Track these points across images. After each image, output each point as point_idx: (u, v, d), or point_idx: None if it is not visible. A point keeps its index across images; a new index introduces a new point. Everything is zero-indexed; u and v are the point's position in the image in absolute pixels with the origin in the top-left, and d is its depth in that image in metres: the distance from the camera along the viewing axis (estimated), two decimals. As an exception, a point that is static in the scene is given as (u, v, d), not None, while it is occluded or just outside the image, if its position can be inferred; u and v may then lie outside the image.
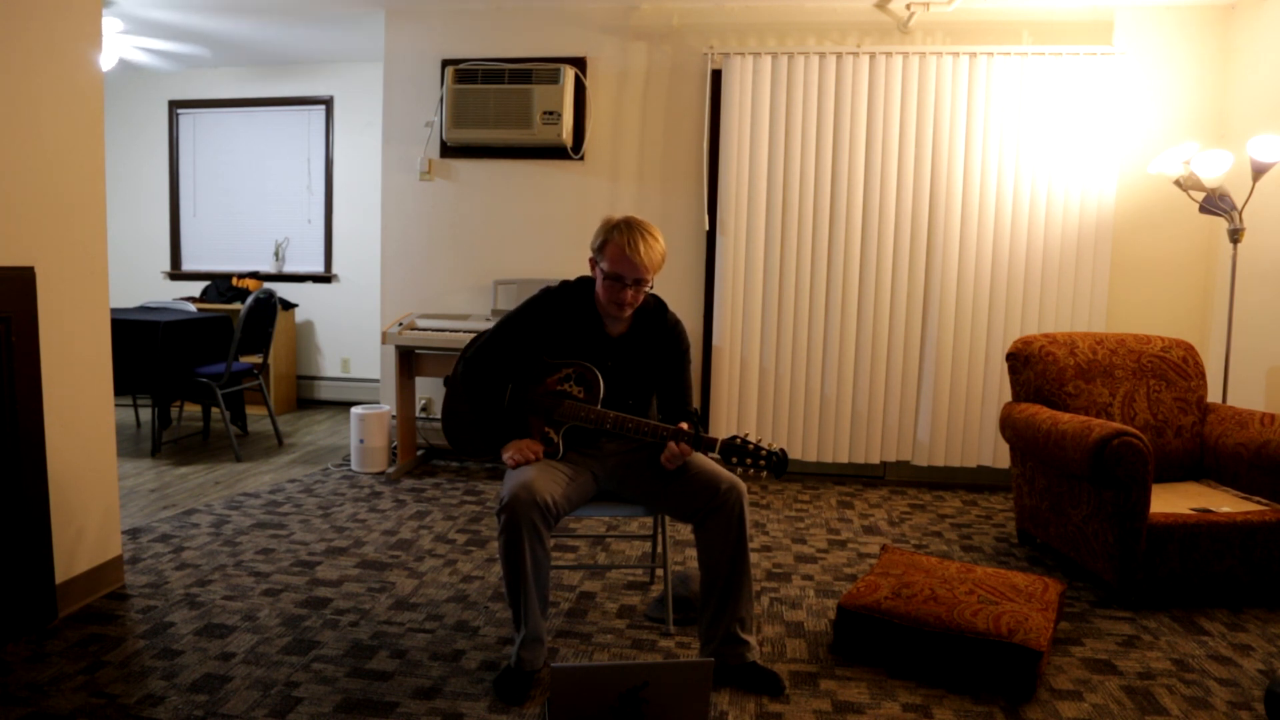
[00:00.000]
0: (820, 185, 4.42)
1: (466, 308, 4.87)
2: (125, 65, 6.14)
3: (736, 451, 2.27)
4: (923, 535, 3.71)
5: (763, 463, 2.25)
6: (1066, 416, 3.07)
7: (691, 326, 4.49)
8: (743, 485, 2.32)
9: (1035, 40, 4.34)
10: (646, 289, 2.39)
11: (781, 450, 2.27)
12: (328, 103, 6.27)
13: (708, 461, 2.41)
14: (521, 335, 2.46)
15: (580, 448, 2.48)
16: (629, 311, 2.41)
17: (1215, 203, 3.77)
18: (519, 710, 2.18)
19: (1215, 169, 3.72)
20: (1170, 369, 3.46)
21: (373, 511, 3.84)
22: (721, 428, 4.56)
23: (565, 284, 2.50)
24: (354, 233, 6.30)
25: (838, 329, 4.47)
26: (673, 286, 4.62)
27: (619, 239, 2.32)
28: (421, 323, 4.57)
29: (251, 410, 5.73)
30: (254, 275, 6.38)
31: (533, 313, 2.47)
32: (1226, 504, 3.03)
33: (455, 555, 3.31)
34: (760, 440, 2.29)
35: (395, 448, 4.69)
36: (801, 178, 4.42)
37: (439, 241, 4.89)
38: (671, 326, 2.51)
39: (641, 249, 2.30)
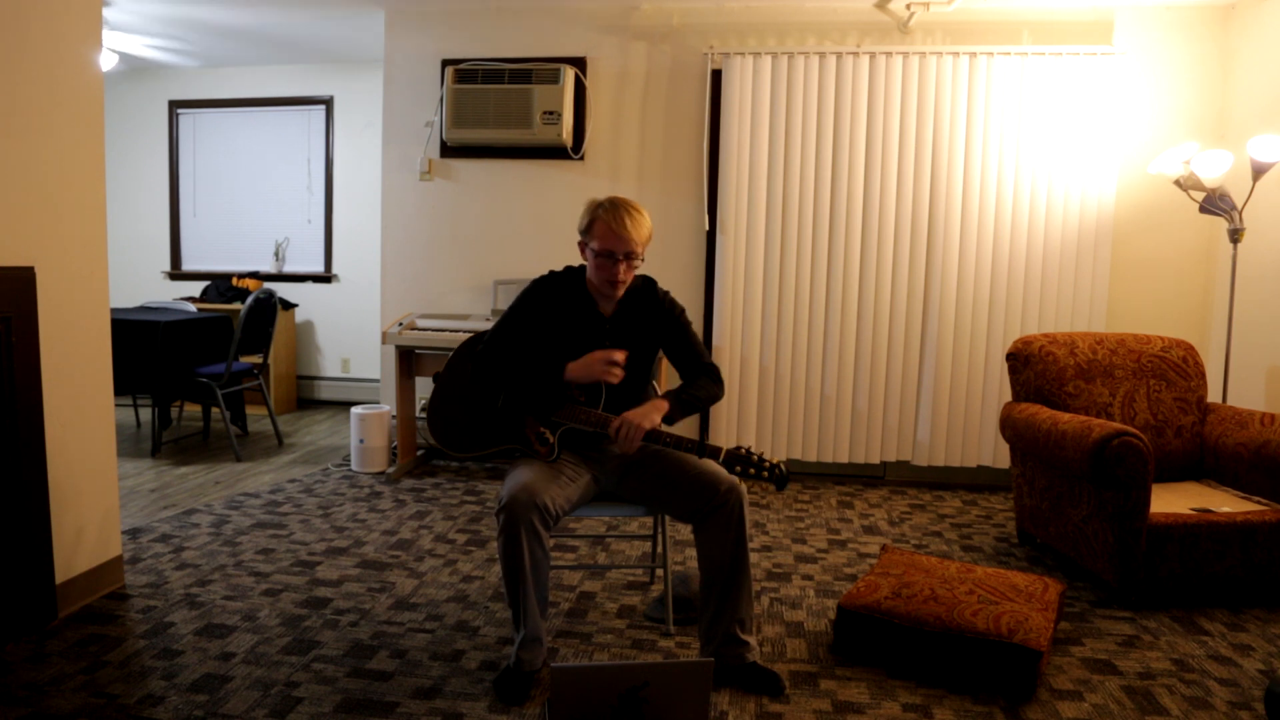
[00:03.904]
0: (820, 185, 4.42)
1: (466, 308, 4.87)
2: (125, 65, 6.15)
3: (740, 461, 2.26)
4: (923, 535, 3.71)
5: (766, 474, 2.24)
6: (1066, 416, 3.07)
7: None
8: (742, 486, 2.33)
9: (1035, 40, 4.34)
10: (637, 263, 2.41)
11: (785, 467, 2.26)
12: (328, 103, 6.27)
13: (707, 461, 2.40)
14: (524, 324, 2.47)
15: (582, 450, 2.48)
16: (622, 289, 2.43)
17: (1215, 203, 3.77)
18: (519, 710, 2.18)
19: (1215, 169, 3.72)
20: (1170, 369, 3.46)
21: (373, 511, 3.84)
22: (722, 428, 4.56)
23: (554, 273, 2.53)
24: (354, 233, 6.30)
25: (838, 329, 4.47)
26: (673, 287, 4.55)
27: (605, 216, 2.35)
28: (421, 323, 4.57)
29: (251, 410, 5.72)
30: (254, 275, 6.38)
31: (529, 301, 2.49)
32: (1226, 504, 3.02)
33: (455, 555, 3.31)
34: (764, 454, 2.29)
35: (395, 448, 4.69)
36: (801, 178, 4.42)
37: (439, 241, 4.89)
38: (662, 299, 2.54)
39: (628, 223, 2.34)
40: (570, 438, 2.44)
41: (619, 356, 2.37)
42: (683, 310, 2.57)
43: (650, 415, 2.33)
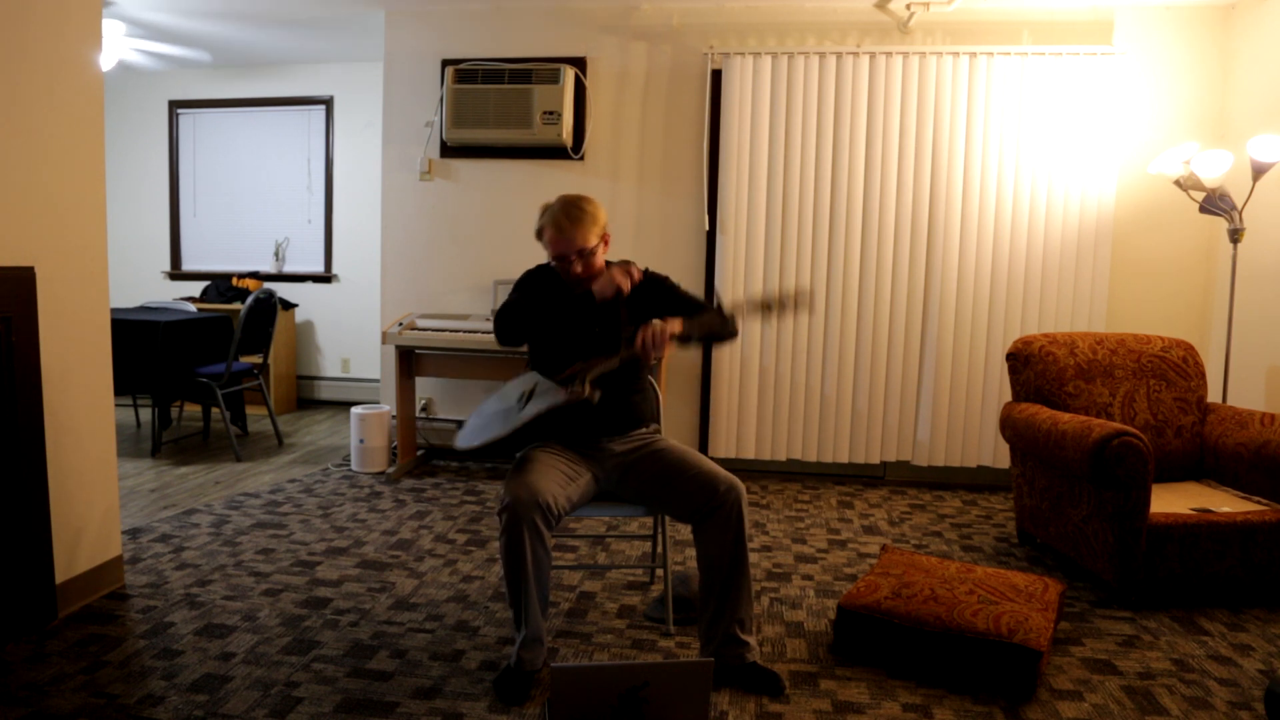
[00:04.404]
0: (820, 185, 4.42)
1: (466, 308, 4.87)
2: (125, 65, 6.14)
3: (764, 303, 2.34)
4: (923, 535, 3.71)
5: (792, 304, 2.33)
6: (1066, 416, 3.07)
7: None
8: (741, 485, 2.33)
9: (1035, 40, 4.34)
10: (595, 256, 2.43)
11: (802, 296, 2.36)
12: (328, 103, 6.27)
13: (706, 461, 2.41)
14: (527, 299, 2.52)
15: (582, 448, 2.48)
16: (589, 282, 2.44)
17: (1215, 203, 3.77)
18: (519, 710, 2.18)
19: (1215, 169, 3.72)
20: (1170, 369, 3.46)
21: (373, 511, 3.84)
22: (721, 429, 4.56)
23: (542, 266, 2.59)
24: (354, 233, 6.30)
25: (838, 329, 4.47)
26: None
27: (549, 224, 2.42)
28: (421, 323, 4.57)
29: (251, 410, 5.72)
30: (254, 275, 6.38)
31: (524, 288, 2.54)
32: (1226, 504, 3.02)
33: (455, 555, 3.31)
34: (780, 293, 2.36)
35: (395, 448, 4.69)
36: (801, 178, 4.42)
37: (439, 241, 4.89)
38: (643, 274, 2.52)
39: (566, 225, 2.38)
40: (576, 430, 2.46)
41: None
42: (667, 277, 2.59)
43: (671, 323, 2.32)
